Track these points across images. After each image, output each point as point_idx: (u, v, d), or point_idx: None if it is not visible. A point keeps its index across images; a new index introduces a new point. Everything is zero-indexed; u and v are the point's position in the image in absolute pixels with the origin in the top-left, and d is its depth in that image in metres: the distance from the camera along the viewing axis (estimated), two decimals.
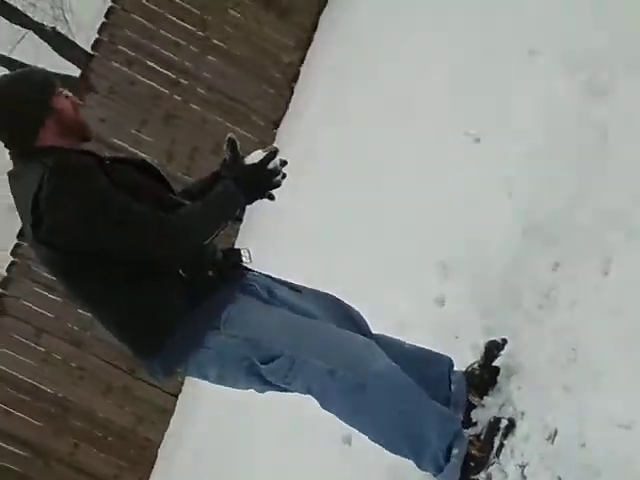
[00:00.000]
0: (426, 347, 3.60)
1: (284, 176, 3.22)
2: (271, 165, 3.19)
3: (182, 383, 8.64)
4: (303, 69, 9.17)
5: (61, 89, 3.31)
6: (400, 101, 6.11)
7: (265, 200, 3.28)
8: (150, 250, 3.08)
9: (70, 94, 3.34)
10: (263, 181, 3.19)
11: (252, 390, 3.33)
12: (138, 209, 3.08)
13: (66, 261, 3.14)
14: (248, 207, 3.26)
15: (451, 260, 4.41)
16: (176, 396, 8.78)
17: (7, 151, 3.31)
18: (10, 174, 3.30)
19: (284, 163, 3.22)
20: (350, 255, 5.51)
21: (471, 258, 4.22)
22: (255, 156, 3.20)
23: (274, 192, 3.26)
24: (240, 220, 3.41)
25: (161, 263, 3.13)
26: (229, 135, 3.24)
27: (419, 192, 5.09)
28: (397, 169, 5.61)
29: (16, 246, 8.77)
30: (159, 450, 8.67)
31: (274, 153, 3.21)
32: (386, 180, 5.68)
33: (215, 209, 3.18)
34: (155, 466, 8.62)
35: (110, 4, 9.23)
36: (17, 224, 8.43)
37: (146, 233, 3.06)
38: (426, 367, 3.50)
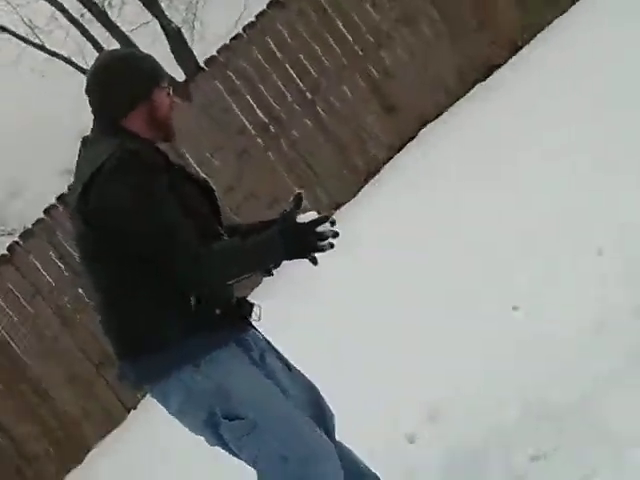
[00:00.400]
0: (379, 475, 3.57)
1: (331, 246, 3.14)
2: (320, 228, 3.11)
3: (139, 401, 8.58)
4: (385, 169, 9.22)
5: (166, 85, 3.36)
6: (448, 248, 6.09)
7: (305, 261, 3.23)
8: (175, 267, 3.07)
9: (172, 93, 3.39)
10: (308, 241, 3.10)
11: (202, 438, 3.29)
12: (183, 226, 3.08)
13: (96, 241, 3.15)
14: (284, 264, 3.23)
15: (438, 404, 4.37)
16: (129, 410, 8.71)
17: (92, 117, 3.34)
18: (84, 139, 3.33)
19: (335, 234, 3.17)
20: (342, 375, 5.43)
21: (459, 411, 4.18)
22: (308, 216, 3.14)
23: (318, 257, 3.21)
24: (271, 274, 3.40)
25: (179, 283, 3.13)
26: (299, 191, 3.23)
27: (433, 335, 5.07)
28: (421, 302, 5.59)
29: (52, 206, 8.84)
30: (89, 453, 8.60)
31: (327, 218, 3.13)
32: (410, 311, 5.64)
33: (252, 254, 3.14)
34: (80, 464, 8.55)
35: (239, 31, 9.39)
36: (62, 189, 8.56)
37: (179, 251, 3.05)
38: None
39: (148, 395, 3.37)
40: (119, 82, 3.26)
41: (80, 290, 8.70)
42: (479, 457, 3.79)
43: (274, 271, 3.37)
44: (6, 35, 16.65)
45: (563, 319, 4.34)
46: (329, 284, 6.60)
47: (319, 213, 3.18)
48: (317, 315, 6.50)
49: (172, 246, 3.05)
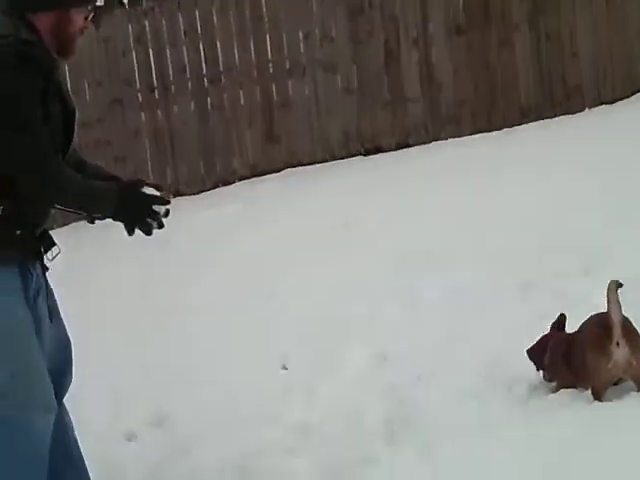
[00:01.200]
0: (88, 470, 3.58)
1: (160, 226, 3.23)
2: (155, 207, 3.21)
3: None
4: (237, 185, 9.22)
5: (90, 9, 3.29)
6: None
7: (124, 230, 3.25)
8: (20, 170, 3.05)
9: (89, 20, 3.31)
10: (140, 211, 3.19)
11: None
12: (42, 134, 3.05)
13: None
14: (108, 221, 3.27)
15: None
16: None
17: None
18: None
19: (167, 213, 3.23)
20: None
21: None
22: (150, 192, 3.25)
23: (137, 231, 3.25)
24: (93, 222, 3.37)
25: (7, 186, 3.07)
26: (166, 193, 3.30)
27: None
28: None
29: None
30: None
31: (166, 202, 3.23)
32: None
33: (90, 194, 3.18)
34: None
35: None
36: None
37: (35, 160, 3.04)
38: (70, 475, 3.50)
39: None
40: None
41: None
42: None
43: (97, 221, 3.35)
44: None
45: None
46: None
47: (160, 193, 3.25)
48: None
49: (27, 150, 3.03)
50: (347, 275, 6.09)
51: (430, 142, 9.48)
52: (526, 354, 4.34)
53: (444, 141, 9.46)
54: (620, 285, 3.91)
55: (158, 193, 3.26)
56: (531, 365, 4.33)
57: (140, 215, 3.20)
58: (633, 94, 9.83)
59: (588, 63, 9.83)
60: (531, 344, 4.36)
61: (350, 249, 6.58)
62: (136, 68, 9.10)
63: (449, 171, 8.21)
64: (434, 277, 5.85)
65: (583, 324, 4.16)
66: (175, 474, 3.99)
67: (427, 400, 4.31)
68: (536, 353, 4.31)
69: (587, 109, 9.74)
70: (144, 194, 3.22)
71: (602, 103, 9.80)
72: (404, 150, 9.41)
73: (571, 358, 4.15)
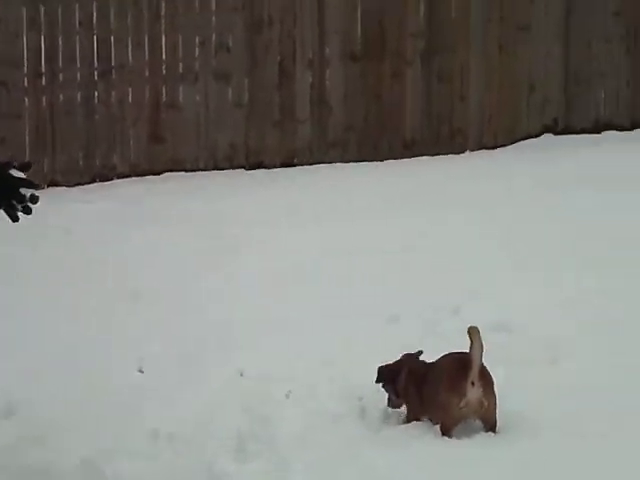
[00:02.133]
0: None
1: (26, 211, 3.18)
2: (23, 190, 3.16)
3: None
4: (116, 183, 9.10)
5: None
6: None
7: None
8: None
9: None
10: (4, 194, 3.15)
11: None
12: None
13: None
14: None
15: None
16: None
17: None
18: None
19: (34, 199, 3.18)
20: None
21: None
22: (18, 175, 3.21)
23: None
24: None
25: None
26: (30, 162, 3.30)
27: None
28: None
29: None
30: None
31: (34, 185, 3.19)
32: None
33: None
34: None
35: None
36: None
37: None
38: None
39: None
40: None
41: None
42: None
43: None
44: None
45: None
46: None
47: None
48: None
49: None
50: (217, 287, 6.09)
51: (313, 164, 9.52)
52: (377, 370, 4.39)
53: (327, 165, 9.51)
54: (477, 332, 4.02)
55: (25, 176, 3.22)
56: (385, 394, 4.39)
57: (5, 197, 3.16)
58: (512, 143, 10.09)
59: (475, 108, 10.03)
60: (386, 363, 4.42)
61: (223, 262, 6.58)
62: (26, 52, 8.90)
63: (329, 196, 8.27)
64: (304, 299, 5.87)
65: (439, 360, 4.24)
66: (21, 465, 3.93)
67: (282, 419, 4.34)
68: (386, 373, 4.37)
69: (468, 151, 9.94)
70: (10, 175, 3.18)
71: (483, 147, 10.03)
72: (287, 169, 9.42)
73: (423, 390, 4.23)
